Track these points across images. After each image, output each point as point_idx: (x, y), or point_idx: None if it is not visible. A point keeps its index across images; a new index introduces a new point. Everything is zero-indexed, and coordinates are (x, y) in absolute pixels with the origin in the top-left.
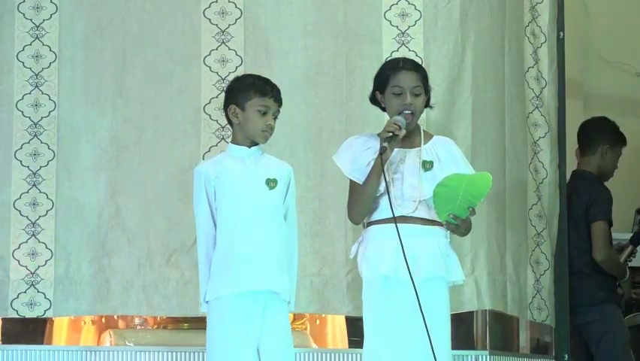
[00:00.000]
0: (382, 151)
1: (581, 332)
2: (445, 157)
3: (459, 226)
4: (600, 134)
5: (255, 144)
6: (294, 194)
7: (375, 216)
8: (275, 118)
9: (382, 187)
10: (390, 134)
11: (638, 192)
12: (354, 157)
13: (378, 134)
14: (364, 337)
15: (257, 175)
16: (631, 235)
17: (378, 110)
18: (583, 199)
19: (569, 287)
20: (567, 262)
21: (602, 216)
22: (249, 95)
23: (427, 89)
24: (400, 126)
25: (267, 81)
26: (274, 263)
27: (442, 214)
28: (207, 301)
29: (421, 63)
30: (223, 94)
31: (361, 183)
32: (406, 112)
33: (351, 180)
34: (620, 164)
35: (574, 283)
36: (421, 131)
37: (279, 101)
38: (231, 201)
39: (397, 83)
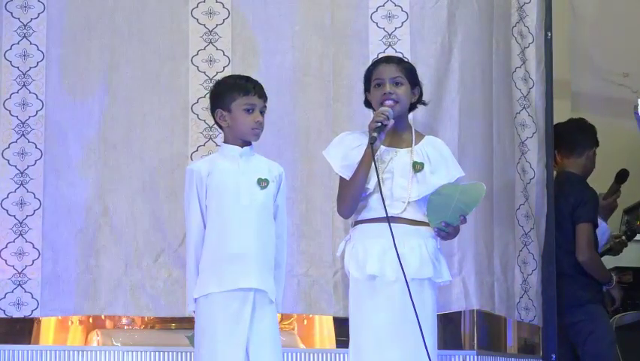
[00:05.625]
0: (372, 141)
1: (567, 332)
2: (435, 158)
3: (449, 234)
4: (586, 137)
5: (247, 143)
6: (285, 194)
7: (364, 215)
8: (262, 113)
9: (372, 186)
10: (379, 123)
11: (626, 193)
12: (345, 154)
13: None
14: (350, 336)
15: (249, 174)
16: (620, 235)
17: (365, 110)
18: (569, 201)
19: (555, 288)
20: (555, 262)
21: (588, 217)
22: (233, 96)
23: (413, 82)
24: (387, 116)
25: (248, 79)
26: (263, 262)
27: (434, 221)
28: (195, 299)
29: None
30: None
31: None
32: (387, 102)
33: (340, 176)
34: (608, 164)
35: (560, 284)
36: (413, 131)
37: (263, 96)
38: (222, 200)
39: (377, 75)
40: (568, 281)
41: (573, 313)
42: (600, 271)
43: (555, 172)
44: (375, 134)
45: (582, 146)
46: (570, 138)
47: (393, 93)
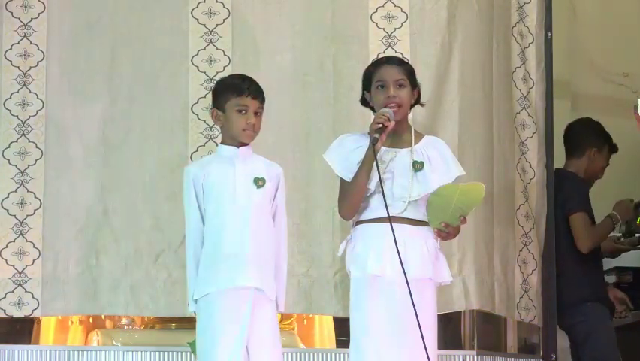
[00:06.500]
0: (374, 142)
1: (569, 334)
2: (435, 158)
3: (449, 234)
4: (587, 137)
5: (244, 143)
6: (284, 195)
7: (365, 215)
8: (257, 115)
9: (372, 186)
10: (380, 125)
11: (626, 194)
12: (345, 156)
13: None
14: (350, 336)
15: (245, 174)
16: (618, 235)
17: (365, 110)
18: (558, 196)
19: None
20: (554, 262)
21: (578, 207)
22: (227, 96)
23: (413, 84)
24: (388, 117)
25: (244, 79)
26: (260, 261)
27: (434, 222)
28: (196, 301)
29: None
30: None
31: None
32: (391, 105)
33: (341, 178)
34: (608, 166)
35: (558, 284)
36: (412, 131)
37: (258, 98)
38: (219, 200)
39: (380, 77)
40: (565, 281)
41: (572, 314)
42: (604, 239)
43: None
44: (376, 135)
45: (582, 147)
46: (571, 139)
47: (396, 96)
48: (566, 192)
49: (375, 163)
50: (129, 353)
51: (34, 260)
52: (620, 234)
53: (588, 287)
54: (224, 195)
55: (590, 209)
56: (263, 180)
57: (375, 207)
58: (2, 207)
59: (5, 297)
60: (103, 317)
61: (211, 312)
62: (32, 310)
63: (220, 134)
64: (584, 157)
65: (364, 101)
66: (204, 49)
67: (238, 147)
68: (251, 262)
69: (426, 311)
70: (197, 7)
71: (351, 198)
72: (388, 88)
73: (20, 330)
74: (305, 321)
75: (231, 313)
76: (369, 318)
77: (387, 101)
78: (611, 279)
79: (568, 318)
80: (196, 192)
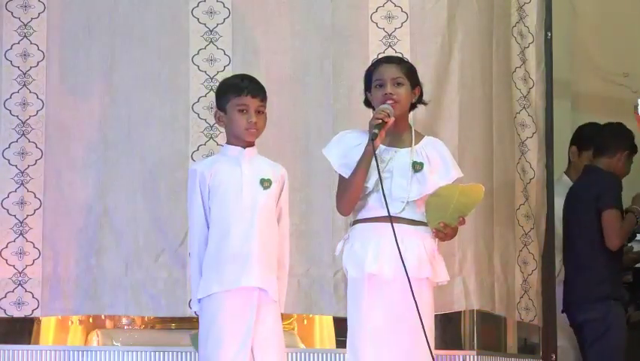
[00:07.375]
0: (373, 137)
1: (579, 331)
2: (435, 159)
3: (447, 235)
4: (622, 140)
5: (250, 144)
6: (287, 196)
7: (362, 215)
8: (259, 113)
9: (371, 185)
10: (380, 121)
11: (626, 194)
12: (345, 153)
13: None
14: (348, 335)
15: (251, 175)
16: None
17: (365, 110)
18: (592, 190)
19: (572, 282)
20: (554, 262)
21: (612, 203)
22: (227, 97)
23: (413, 83)
24: (388, 113)
25: (242, 79)
26: (265, 262)
27: (433, 222)
28: (199, 300)
29: None
30: (211, 93)
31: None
32: (388, 102)
33: (340, 174)
34: None
35: (577, 277)
36: (412, 131)
37: (258, 96)
38: (224, 200)
39: (378, 76)
40: (586, 274)
41: (588, 310)
42: (629, 235)
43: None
44: (375, 131)
45: (615, 147)
46: (604, 140)
47: (394, 94)
48: (602, 188)
49: (374, 158)
50: (129, 353)
51: (34, 260)
52: None
53: (610, 285)
54: (229, 195)
55: (622, 207)
56: (269, 181)
57: (373, 207)
58: (2, 207)
59: (5, 297)
60: (103, 317)
61: (215, 312)
62: (32, 310)
63: (221, 134)
64: (615, 157)
65: (368, 102)
66: (205, 48)
67: (244, 147)
68: (255, 263)
69: (423, 311)
70: (198, 6)
71: (349, 194)
72: (385, 86)
73: (20, 330)
74: (305, 321)
75: (236, 314)
76: (366, 317)
77: (384, 99)
78: None
79: (582, 314)
80: (201, 192)
